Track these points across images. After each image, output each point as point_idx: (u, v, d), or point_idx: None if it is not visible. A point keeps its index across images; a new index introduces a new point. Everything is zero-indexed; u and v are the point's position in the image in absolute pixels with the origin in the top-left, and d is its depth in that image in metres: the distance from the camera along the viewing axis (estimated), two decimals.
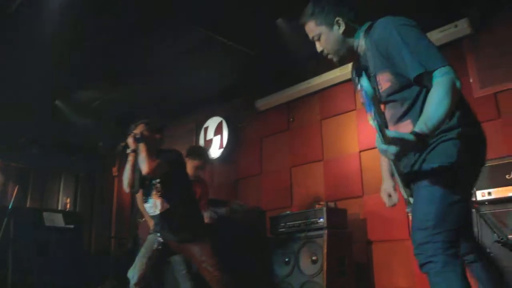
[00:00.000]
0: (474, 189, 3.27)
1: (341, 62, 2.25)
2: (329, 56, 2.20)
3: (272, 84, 5.76)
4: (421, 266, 1.79)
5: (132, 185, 3.69)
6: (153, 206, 3.67)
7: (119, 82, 5.66)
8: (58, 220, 5.77)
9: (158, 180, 3.63)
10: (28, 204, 7.92)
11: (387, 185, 2.33)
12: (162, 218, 3.62)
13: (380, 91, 2.00)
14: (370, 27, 2.07)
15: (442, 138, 1.81)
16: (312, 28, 2.18)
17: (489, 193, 3.27)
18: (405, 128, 1.88)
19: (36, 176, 8.23)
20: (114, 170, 8.24)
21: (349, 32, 2.14)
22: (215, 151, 6.36)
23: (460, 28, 4.18)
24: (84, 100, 6.19)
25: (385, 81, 1.97)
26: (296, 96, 5.57)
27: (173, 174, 3.65)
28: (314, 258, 4.12)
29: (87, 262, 5.66)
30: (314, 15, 2.16)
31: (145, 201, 3.71)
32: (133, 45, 4.86)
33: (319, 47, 2.20)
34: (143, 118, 3.86)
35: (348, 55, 2.19)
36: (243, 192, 6.00)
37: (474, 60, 4.26)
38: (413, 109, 1.90)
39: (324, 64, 5.21)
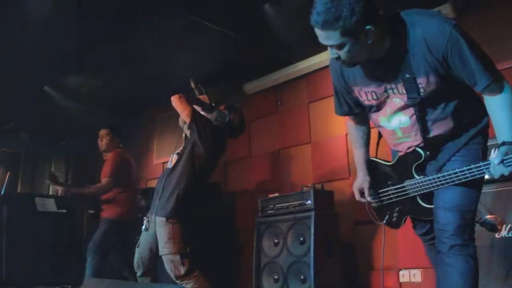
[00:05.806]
0: None
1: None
2: (343, 63, 1.99)
3: (260, 67, 5.78)
4: None
5: None
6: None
7: (103, 68, 5.61)
8: (51, 205, 5.81)
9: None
10: (19, 189, 7.96)
11: (362, 181, 2.50)
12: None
13: (422, 93, 1.95)
14: (399, 24, 1.90)
15: None
16: (332, 36, 1.81)
17: None
18: (445, 125, 2.03)
19: (26, 161, 8.25)
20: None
21: (378, 38, 1.87)
22: None
23: (444, 13, 4.19)
24: (71, 87, 6.16)
25: (430, 84, 1.93)
26: (283, 80, 5.63)
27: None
28: (302, 239, 4.24)
29: (82, 246, 5.71)
30: (339, 22, 1.74)
31: None
32: (118, 31, 4.80)
33: (334, 53, 1.91)
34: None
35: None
36: (232, 174, 6.09)
37: None
38: (454, 110, 2.00)
39: (311, 48, 5.25)
